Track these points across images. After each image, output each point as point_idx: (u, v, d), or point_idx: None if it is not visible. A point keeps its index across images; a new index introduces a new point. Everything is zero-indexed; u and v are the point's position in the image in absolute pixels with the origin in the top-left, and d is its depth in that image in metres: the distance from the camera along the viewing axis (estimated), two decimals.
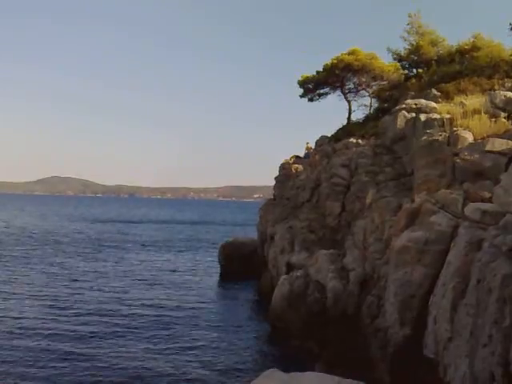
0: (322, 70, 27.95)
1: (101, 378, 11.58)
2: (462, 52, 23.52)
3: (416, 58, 26.82)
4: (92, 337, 14.70)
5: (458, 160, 11.96)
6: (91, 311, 17.68)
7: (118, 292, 21.44)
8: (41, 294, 20.34)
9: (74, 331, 15.17)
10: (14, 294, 20.12)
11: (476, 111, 13.94)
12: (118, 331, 15.42)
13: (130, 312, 17.88)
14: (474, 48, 22.62)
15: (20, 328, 15.28)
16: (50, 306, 18.28)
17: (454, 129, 13.33)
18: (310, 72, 28.88)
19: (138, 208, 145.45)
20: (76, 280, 23.83)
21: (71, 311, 17.62)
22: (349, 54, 26.70)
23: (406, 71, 27.97)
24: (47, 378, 11.52)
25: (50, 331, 15.09)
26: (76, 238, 45.52)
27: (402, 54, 27.83)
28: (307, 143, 25.16)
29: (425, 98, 18.01)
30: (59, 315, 17.01)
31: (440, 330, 8.31)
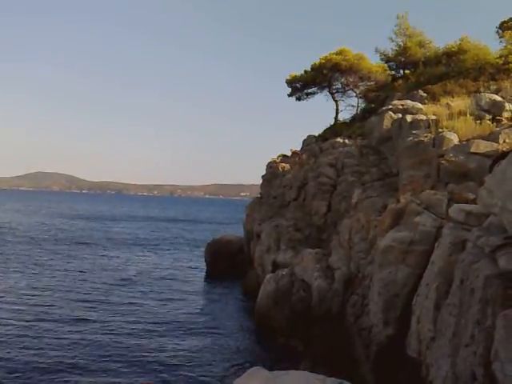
0: (310, 69, 28.06)
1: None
2: (448, 54, 23.82)
3: (403, 59, 27.07)
4: (71, 341, 14.20)
5: (443, 161, 12.05)
6: (68, 312, 17.16)
7: (100, 290, 21.18)
8: (19, 292, 19.89)
9: (50, 333, 14.70)
10: None
11: (461, 113, 14.08)
12: (98, 331, 15.21)
13: (112, 312, 17.69)
14: (461, 50, 22.93)
15: None
16: (26, 304, 17.83)
17: (440, 130, 13.45)
18: (299, 71, 29.05)
19: (124, 205, 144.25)
20: (54, 280, 23.08)
21: (47, 311, 17.09)
22: (337, 53, 26.82)
23: (394, 72, 28.23)
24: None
25: (24, 330, 14.74)
26: (58, 235, 44.81)
27: (390, 55, 28.08)
28: (290, 150, 25.73)
29: (411, 99, 18.15)
30: (35, 314, 16.63)
31: (423, 329, 8.37)
